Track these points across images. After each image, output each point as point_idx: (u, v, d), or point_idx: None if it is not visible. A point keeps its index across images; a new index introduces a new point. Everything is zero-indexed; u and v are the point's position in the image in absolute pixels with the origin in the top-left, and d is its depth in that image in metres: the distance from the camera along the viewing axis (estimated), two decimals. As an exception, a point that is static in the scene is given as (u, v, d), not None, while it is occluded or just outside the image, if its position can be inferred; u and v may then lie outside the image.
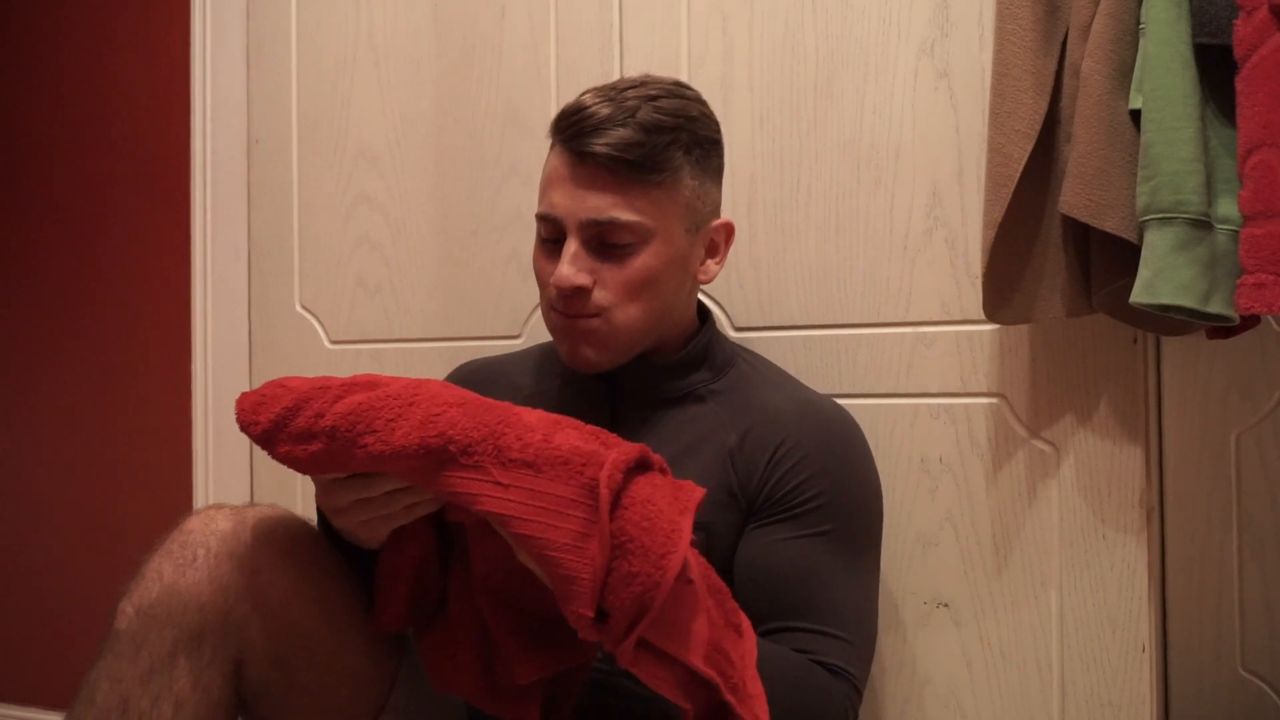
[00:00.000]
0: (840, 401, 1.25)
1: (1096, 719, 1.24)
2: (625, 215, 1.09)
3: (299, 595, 0.99)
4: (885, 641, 1.33)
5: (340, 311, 1.72)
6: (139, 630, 0.95)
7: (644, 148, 1.08)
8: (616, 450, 0.89)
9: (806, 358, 1.39)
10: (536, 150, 1.57)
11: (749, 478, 1.12)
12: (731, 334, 1.42)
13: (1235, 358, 1.25)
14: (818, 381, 1.33)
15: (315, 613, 1.00)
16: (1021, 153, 1.15)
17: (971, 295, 1.30)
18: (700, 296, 1.26)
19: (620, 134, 1.08)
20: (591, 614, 0.84)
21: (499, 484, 0.87)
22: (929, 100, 1.34)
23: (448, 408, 0.91)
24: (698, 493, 0.92)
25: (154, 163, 1.92)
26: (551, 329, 1.16)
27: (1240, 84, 1.00)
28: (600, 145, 1.08)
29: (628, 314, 1.12)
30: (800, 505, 1.11)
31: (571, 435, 0.91)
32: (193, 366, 1.84)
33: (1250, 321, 1.12)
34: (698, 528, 1.02)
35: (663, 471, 0.93)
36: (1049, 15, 1.16)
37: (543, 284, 1.15)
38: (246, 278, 1.81)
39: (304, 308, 1.75)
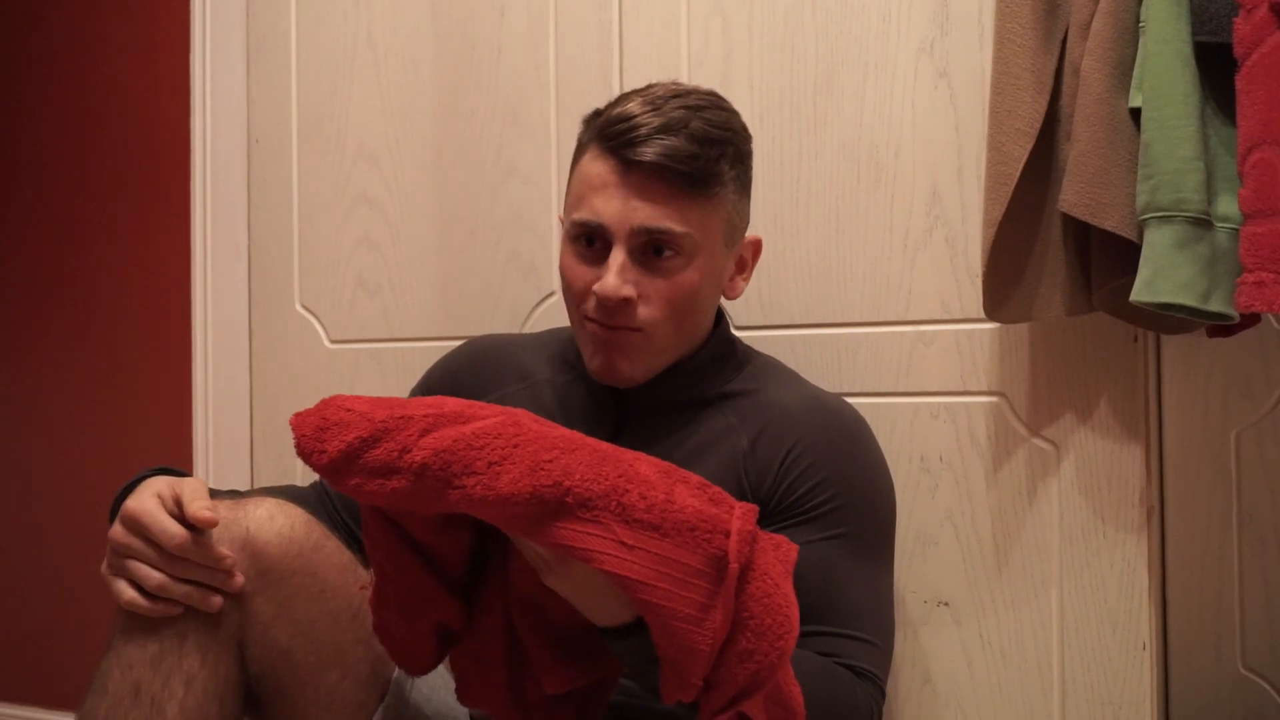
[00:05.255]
0: (840, 400, 1.25)
1: (1096, 717, 1.24)
2: (678, 227, 1.06)
3: (297, 581, 1.00)
4: (885, 640, 1.33)
5: (340, 311, 1.72)
6: (147, 616, 0.97)
7: (698, 160, 1.05)
8: (739, 517, 0.85)
9: (806, 357, 1.39)
10: (536, 150, 1.57)
11: (760, 482, 1.11)
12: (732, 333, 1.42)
13: (1235, 356, 1.25)
14: (817, 381, 1.33)
15: (315, 598, 1.01)
16: (1021, 151, 1.15)
17: (971, 294, 1.30)
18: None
19: (674, 144, 1.04)
20: (701, 684, 0.82)
21: (623, 544, 0.81)
22: (929, 99, 1.34)
23: (559, 454, 0.84)
24: (793, 551, 0.90)
25: (154, 163, 1.92)
26: (584, 338, 1.12)
27: (1240, 82, 1.00)
28: (653, 154, 1.04)
29: (668, 330, 1.10)
30: (814, 509, 1.10)
31: (687, 495, 0.86)
32: (193, 366, 1.84)
33: (1250, 320, 1.12)
34: None
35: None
36: (1049, 14, 1.16)
37: (578, 291, 1.11)
38: (246, 278, 1.80)
39: (304, 307, 1.75)
